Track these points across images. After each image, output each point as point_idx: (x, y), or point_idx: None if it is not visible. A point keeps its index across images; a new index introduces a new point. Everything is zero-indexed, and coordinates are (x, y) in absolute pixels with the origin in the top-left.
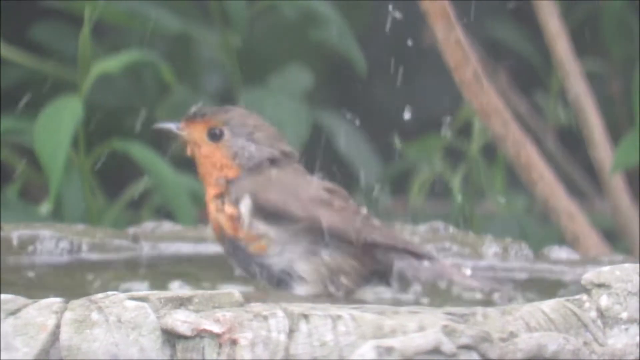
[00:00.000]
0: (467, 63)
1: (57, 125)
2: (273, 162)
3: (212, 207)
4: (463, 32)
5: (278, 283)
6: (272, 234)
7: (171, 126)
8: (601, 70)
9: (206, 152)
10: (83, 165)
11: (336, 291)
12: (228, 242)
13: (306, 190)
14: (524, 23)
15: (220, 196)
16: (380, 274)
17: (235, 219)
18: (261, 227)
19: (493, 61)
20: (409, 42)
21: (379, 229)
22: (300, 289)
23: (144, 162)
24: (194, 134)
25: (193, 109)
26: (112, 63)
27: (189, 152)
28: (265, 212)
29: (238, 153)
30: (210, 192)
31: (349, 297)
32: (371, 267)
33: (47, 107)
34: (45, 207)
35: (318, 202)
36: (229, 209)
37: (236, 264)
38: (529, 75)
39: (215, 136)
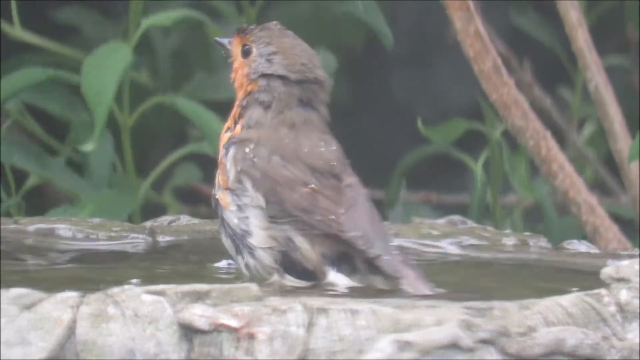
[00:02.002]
0: (487, 54)
1: (106, 65)
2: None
3: (225, 125)
4: (484, 22)
5: (237, 245)
6: (236, 197)
7: (224, 41)
8: (622, 62)
9: (236, 67)
10: (126, 122)
11: (279, 272)
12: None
13: (288, 161)
14: (549, 14)
15: (234, 118)
16: (340, 261)
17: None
18: (236, 185)
19: (517, 54)
20: (430, 33)
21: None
22: (250, 259)
23: (191, 114)
24: (234, 49)
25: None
26: (162, 17)
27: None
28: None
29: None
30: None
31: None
32: (333, 253)
33: (96, 49)
34: (89, 145)
35: (287, 178)
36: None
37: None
38: (554, 68)
39: (245, 53)
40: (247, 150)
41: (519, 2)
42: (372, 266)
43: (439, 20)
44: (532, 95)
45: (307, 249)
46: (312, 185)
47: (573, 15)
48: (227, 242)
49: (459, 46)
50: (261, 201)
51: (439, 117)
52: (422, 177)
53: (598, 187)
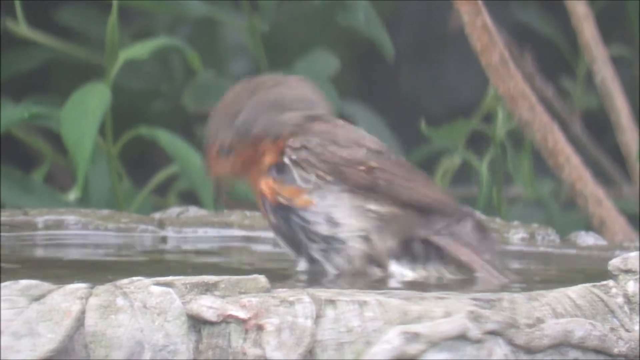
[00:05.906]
0: (494, 47)
1: (85, 112)
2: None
3: (260, 177)
4: (489, 15)
5: (321, 240)
6: (316, 190)
7: None
8: (628, 54)
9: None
10: (110, 151)
11: (376, 253)
12: (272, 210)
13: (342, 146)
14: (550, 7)
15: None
16: (414, 246)
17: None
18: (307, 183)
19: (519, 45)
20: (436, 27)
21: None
22: (344, 248)
23: (170, 148)
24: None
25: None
26: (139, 49)
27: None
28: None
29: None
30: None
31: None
32: (412, 232)
33: (74, 92)
34: (73, 194)
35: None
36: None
37: (282, 237)
38: (556, 59)
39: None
40: (297, 144)
41: None
42: (431, 252)
43: (447, 14)
44: (533, 86)
45: (377, 241)
46: (372, 163)
47: (579, 9)
48: (304, 251)
49: (466, 39)
50: (342, 186)
51: (446, 110)
52: (431, 172)
53: (600, 176)
